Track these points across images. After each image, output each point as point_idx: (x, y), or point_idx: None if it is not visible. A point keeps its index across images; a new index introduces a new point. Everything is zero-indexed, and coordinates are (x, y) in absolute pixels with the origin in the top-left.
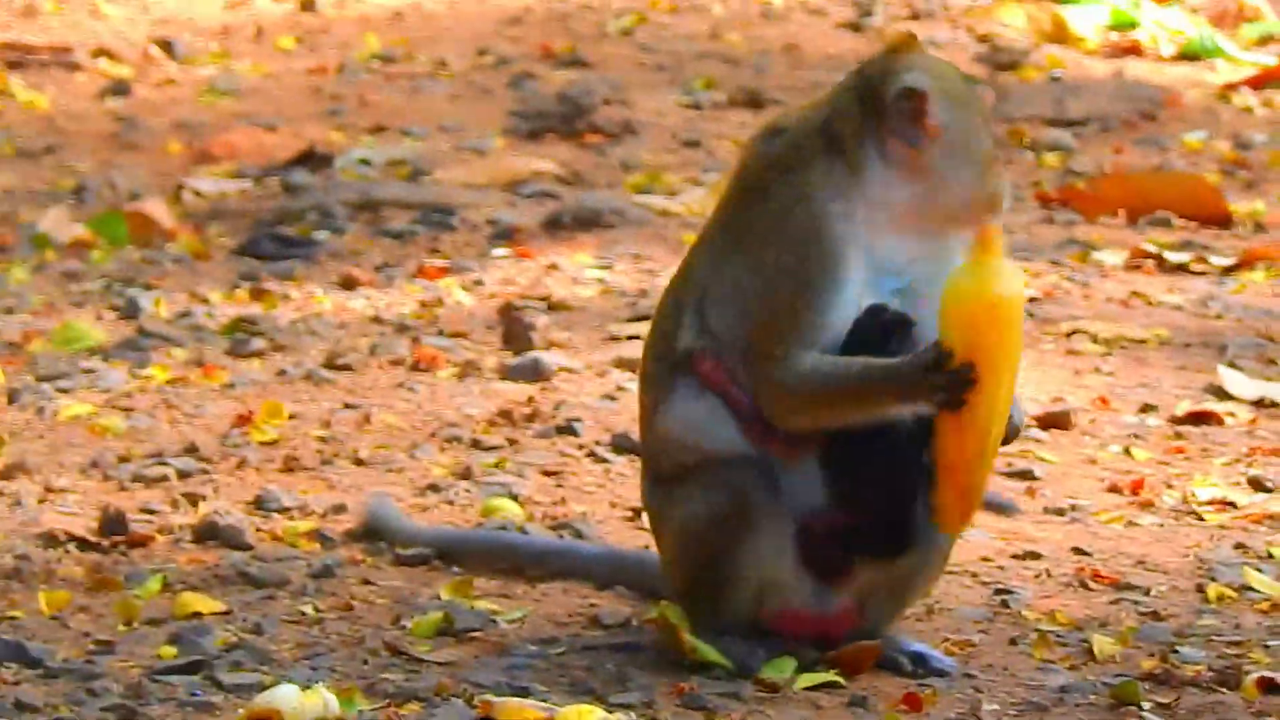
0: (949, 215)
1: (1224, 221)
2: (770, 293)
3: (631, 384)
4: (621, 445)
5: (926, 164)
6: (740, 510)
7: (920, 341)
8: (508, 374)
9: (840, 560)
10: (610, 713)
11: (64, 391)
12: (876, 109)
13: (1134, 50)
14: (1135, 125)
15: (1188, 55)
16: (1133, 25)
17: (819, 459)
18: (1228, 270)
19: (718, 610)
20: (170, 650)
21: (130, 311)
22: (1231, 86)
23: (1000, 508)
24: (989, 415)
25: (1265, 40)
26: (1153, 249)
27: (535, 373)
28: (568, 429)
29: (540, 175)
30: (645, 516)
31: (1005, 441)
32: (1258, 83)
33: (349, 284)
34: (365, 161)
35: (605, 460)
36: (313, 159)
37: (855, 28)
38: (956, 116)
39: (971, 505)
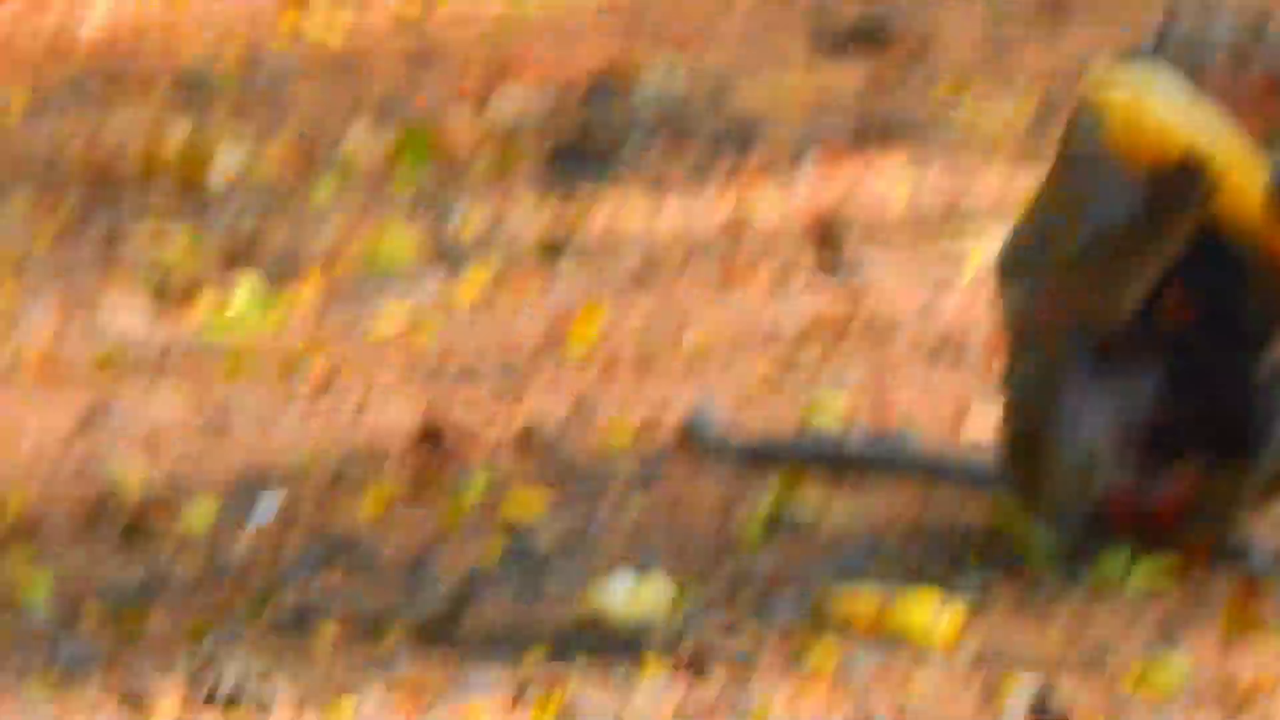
0: None
1: None
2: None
3: (952, 285)
4: (943, 348)
5: None
6: (1059, 372)
7: None
8: (823, 283)
9: (1178, 454)
10: (946, 601)
11: (376, 306)
12: None
13: None
14: None
15: None
16: None
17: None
18: None
19: (1045, 496)
20: (497, 550)
21: (439, 226)
22: None
23: None
24: None
25: None
26: None
27: (851, 282)
28: (888, 332)
29: (843, 89)
30: (972, 413)
31: None
32: None
33: (657, 196)
34: (666, 77)
35: (927, 363)
36: (613, 76)
37: None
38: None
39: None
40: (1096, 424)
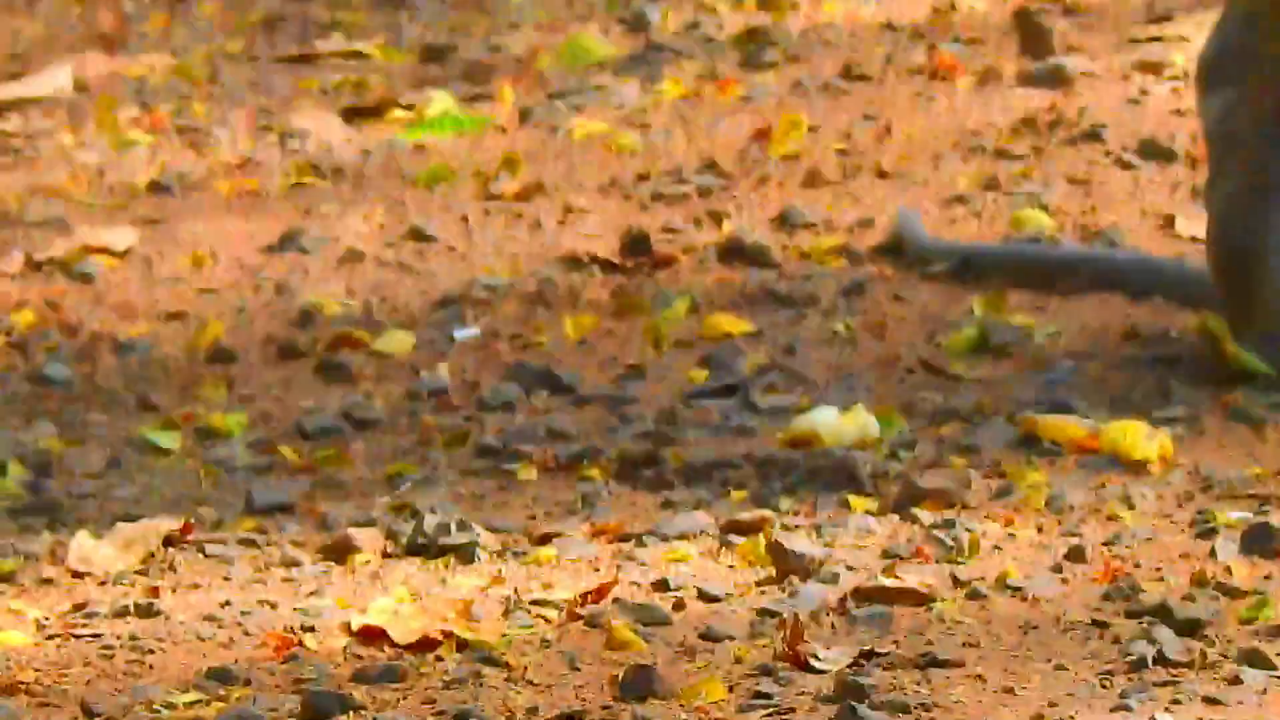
0: None
1: None
2: None
3: (1155, 87)
4: (1150, 151)
5: None
6: (1265, 188)
7: None
8: (1028, 80)
9: None
10: (1156, 427)
11: (577, 109)
12: None
13: None
14: None
15: None
16: None
17: None
18: None
19: (1255, 310)
20: (701, 374)
21: (637, 24)
22: None
23: None
24: None
25: None
26: None
27: (1056, 79)
28: (1094, 135)
29: None
30: (1179, 224)
31: None
32: None
33: None
34: None
35: (1133, 167)
36: None
37: None
38: None
39: None
40: None
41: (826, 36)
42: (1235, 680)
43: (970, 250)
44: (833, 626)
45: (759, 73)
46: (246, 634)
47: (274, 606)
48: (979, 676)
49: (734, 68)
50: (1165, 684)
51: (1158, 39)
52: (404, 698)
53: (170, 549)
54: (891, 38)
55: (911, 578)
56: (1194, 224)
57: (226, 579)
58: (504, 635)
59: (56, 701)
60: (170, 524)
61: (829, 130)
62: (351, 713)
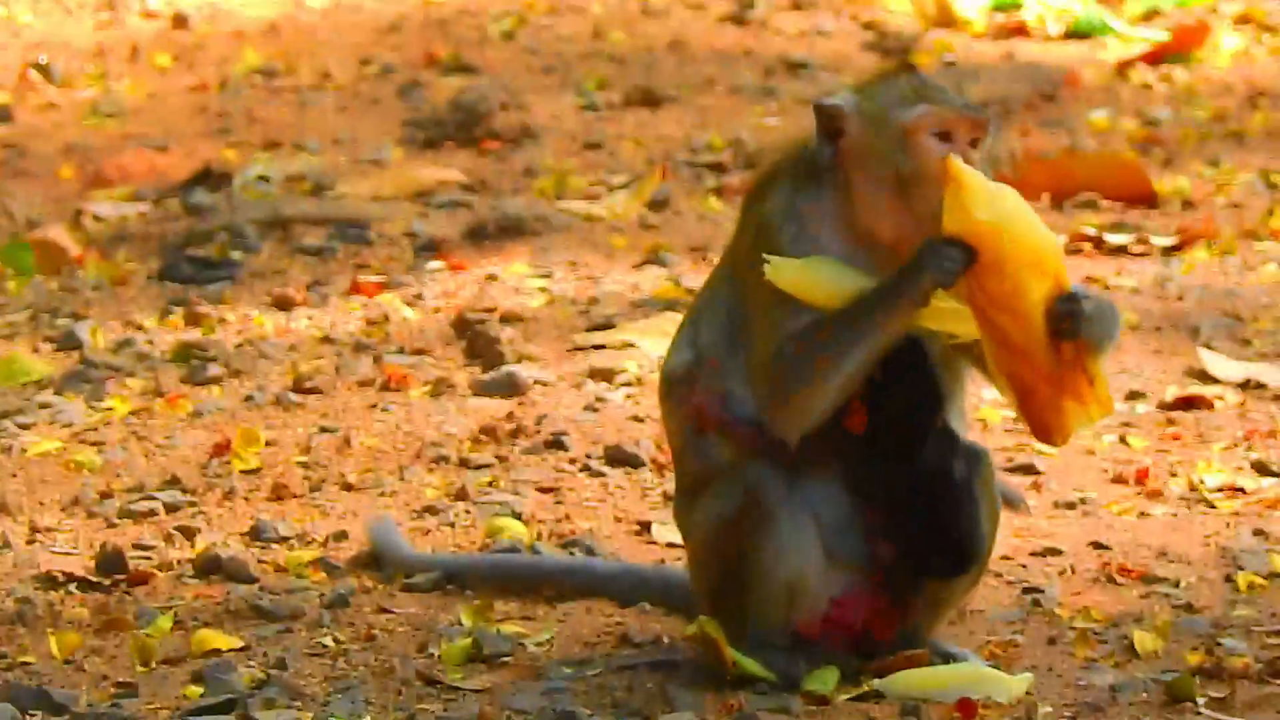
0: (876, 233)
1: (1150, 201)
2: (750, 316)
3: (610, 394)
4: (615, 458)
5: (849, 181)
6: (756, 508)
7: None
8: (482, 389)
9: (909, 581)
10: None
11: (25, 427)
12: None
13: (1021, 31)
14: (1036, 107)
15: (1076, 33)
16: (1017, 5)
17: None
18: (1169, 250)
19: (749, 618)
20: (196, 690)
21: (68, 342)
22: (1128, 63)
23: (1010, 502)
24: (1029, 318)
25: (1150, 15)
26: (1091, 231)
27: (511, 387)
28: (556, 443)
29: (445, 184)
30: (655, 531)
31: None
32: (1154, 58)
33: (285, 304)
34: (264, 178)
35: (601, 474)
36: (210, 178)
37: (738, 20)
38: (878, 139)
39: (1064, 409)
40: (799, 552)
41: (264, 349)
42: None
43: (451, 563)
44: None
45: (205, 387)
46: None
47: None
48: None
49: (177, 383)
50: None
51: (602, 346)
52: None
53: None
54: (333, 350)
55: None
56: (669, 530)
57: None
58: None
59: None
60: None
61: (288, 443)
62: None
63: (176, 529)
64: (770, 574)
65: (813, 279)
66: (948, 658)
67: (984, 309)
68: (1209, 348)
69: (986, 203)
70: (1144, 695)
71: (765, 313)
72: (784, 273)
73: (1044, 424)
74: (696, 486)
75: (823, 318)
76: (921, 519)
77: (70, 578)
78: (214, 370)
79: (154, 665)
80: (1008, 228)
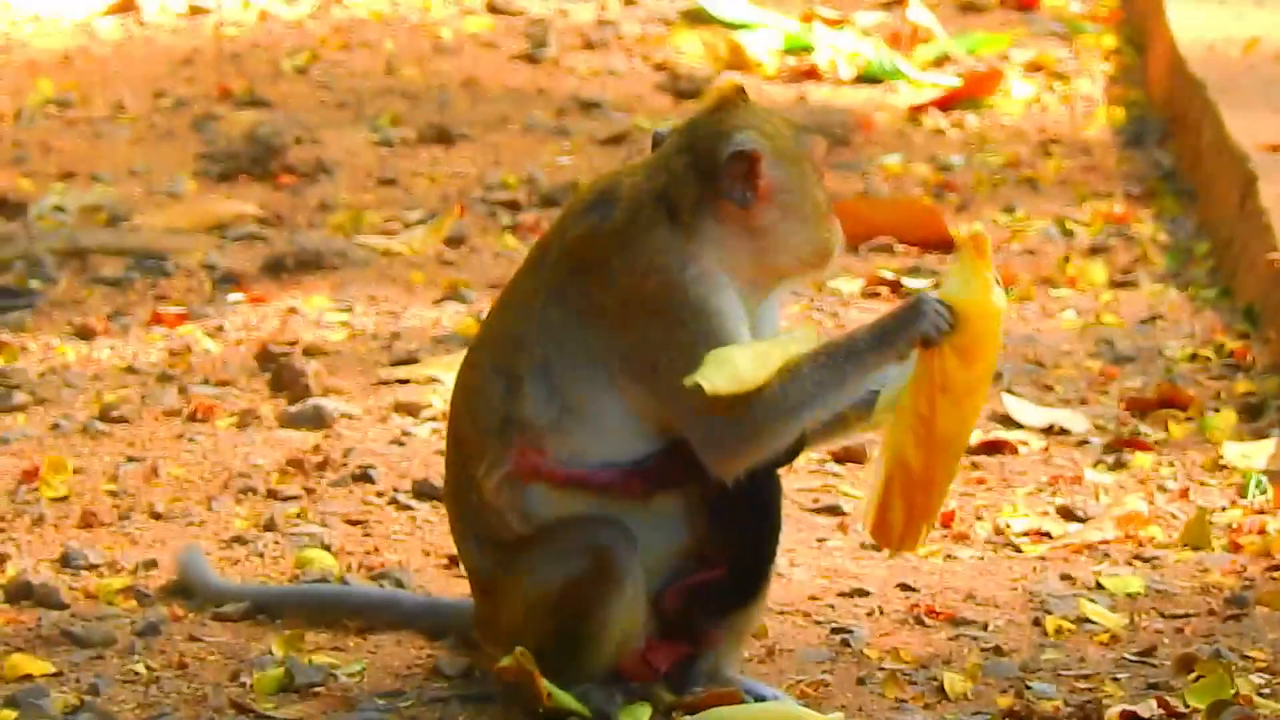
0: (783, 269)
1: (946, 245)
2: (670, 362)
3: (416, 429)
4: (423, 491)
5: (761, 223)
6: (609, 571)
7: None
8: (288, 421)
9: (697, 619)
10: None
11: None
12: (710, 172)
13: (812, 74)
14: (829, 151)
15: (867, 78)
16: (808, 49)
17: (686, 510)
18: None
19: (575, 665)
20: (10, 714)
21: None
22: (920, 108)
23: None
24: (960, 429)
25: (941, 61)
26: (889, 275)
27: (317, 420)
28: (364, 476)
29: (241, 218)
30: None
31: None
32: (945, 103)
33: (86, 334)
34: (60, 209)
35: (409, 507)
36: (6, 207)
37: (530, 59)
38: (788, 174)
39: (918, 527)
40: (639, 606)
41: (68, 378)
42: None
43: (260, 593)
44: None
45: (11, 414)
46: None
47: None
48: None
49: None
50: None
51: (406, 381)
52: None
53: None
54: (138, 380)
55: None
56: None
57: None
58: None
59: None
60: None
61: (95, 471)
62: None
63: None
64: (610, 628)
65: (748, 368)
66: (759, 698)
67: (938, 387)
68: (1011, 393)
69: (993, 289)
70: None
71: (689, 357)
72: (717, 379)
73: (888, 524)
74: (519, 542)
75: (808, 355)
76: (747, 544)
77: None
78: (19, 398)
79: None
80: (995, 324)
